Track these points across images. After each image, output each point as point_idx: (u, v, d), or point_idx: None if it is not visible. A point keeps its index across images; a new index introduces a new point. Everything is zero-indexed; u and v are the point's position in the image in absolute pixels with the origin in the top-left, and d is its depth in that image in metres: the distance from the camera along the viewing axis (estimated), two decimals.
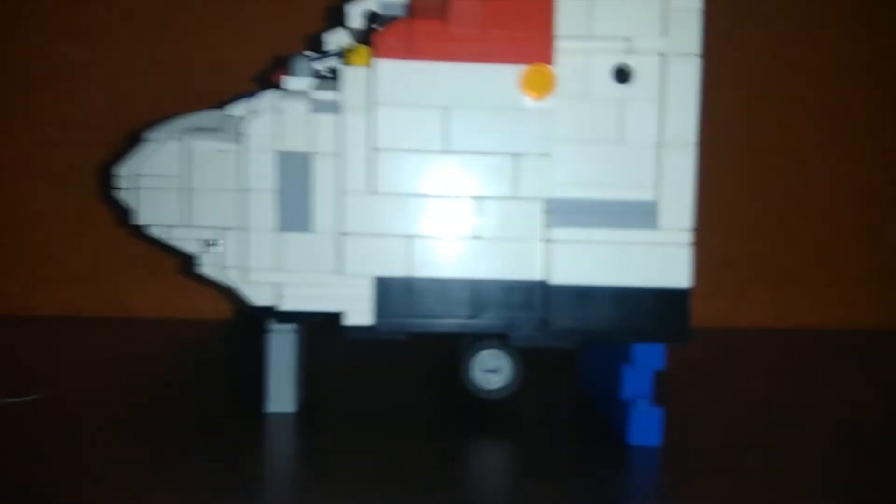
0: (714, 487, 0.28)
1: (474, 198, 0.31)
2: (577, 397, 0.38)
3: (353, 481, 0.28)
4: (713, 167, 0.55)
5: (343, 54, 0.32)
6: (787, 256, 0.63)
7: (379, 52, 0.30)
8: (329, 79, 0.33)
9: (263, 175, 0.32)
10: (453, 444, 0.32)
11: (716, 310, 0.58)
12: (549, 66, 0.30)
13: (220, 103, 0.36)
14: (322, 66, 0.34)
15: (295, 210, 0.32)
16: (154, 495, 0.27)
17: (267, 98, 0.32)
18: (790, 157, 0.62)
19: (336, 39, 0.35)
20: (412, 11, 0.30)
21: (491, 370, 0.35)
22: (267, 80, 0.37)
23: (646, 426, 0.32)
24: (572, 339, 0.31)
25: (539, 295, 0.31)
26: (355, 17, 0.33)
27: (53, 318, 0.57)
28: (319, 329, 0.34)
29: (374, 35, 0.30)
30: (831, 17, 0.61)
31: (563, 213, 0.30)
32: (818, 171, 0.62)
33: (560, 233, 0.30)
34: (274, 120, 0.32)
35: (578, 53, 0.30)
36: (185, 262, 0.36)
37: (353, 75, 0.30)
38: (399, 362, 0.42)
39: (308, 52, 0.35)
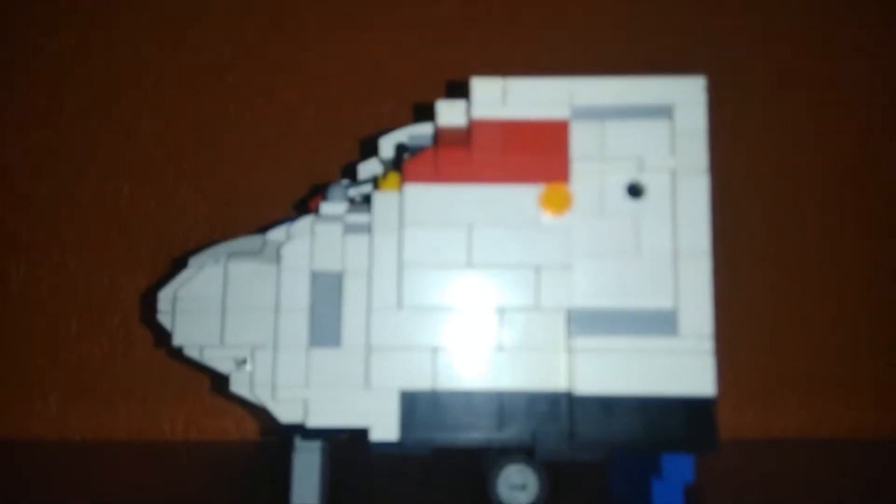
0: None
1: (498, 309, 0.32)
2: None
3: None
4: (734, 275, 0.56)
5: (375, 182, 0.34)
6: (815, 363, 0.62)
7: (407, 178, 0.32)
8: (362, 204, 0.35)
9: (297, 294, 0.34)
10: None
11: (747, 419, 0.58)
12: (565, 185, 0.31)
13: (261, 229, 0.38)
14: (356, 192, 0.36)
15: (325, 326, 0.33)
16: None
17: (304, 222, 0.35)
18: (811, 260, 0.63)
19: (369, 168, 0.37)
20: (438, 140, 0.32)
21: (518, 486, 0.35)
22: (305, 207, 0.40)
23: None
24: (599, 450, 0.30)
25: (564, 406, 0.31)
26: (387, 149, 0.36)
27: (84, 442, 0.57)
28: (346, 444, 0.34)
29: (403, 163, 0.32)
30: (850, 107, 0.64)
31: (585, 322, 0.31)
32: (840, 273, 0.63)
33: (582, 342, 0.31)
34: (309, 242, 0.34)
35: (593, 172, 0.32)
36: (215, 382, 0.37)
37: (383, 198, 0.33)
38: (425, 478, 0.41)
39: (343, 180, 0.37)
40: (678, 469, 0.31)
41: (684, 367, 0.30)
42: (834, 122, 0.64)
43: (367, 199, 0.36)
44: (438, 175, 0.32)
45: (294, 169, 0.62)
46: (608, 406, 0.30)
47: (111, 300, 0.65)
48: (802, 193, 0.63)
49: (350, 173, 0.40)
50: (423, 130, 0.36)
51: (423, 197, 0.32)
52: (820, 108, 0.64)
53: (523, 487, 0.34)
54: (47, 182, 0.66)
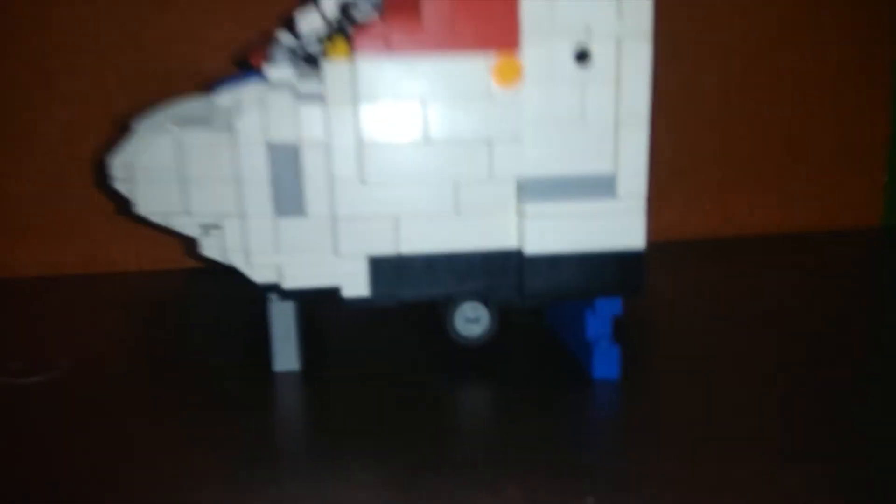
0: (670, 408, 0.34)
1: (453, 181, 0.34)
2: (548, 340, 0.43)
3: (354, 426, 0.33)
4: (663, 90, 0.60)
5: (322, 43, 0.34)
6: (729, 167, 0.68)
7: (359, 50, 0.32)
8: (307, 65, 0.35)
9: (256, 166, 0.35)
10: (441, 387, 0.37)
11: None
12: (516, 58, 0.32)
13: (200, 82, 0.38)
14: (299, 50, 0.35)
15: (289, 196, 0.35)
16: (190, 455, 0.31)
17: (252, 90, 0.34)
18: (731, 76, 0.66)
19: (308, 20, 0.36)
20: (386, 10, 0.32)
21: (472, 320, 0.40)
22: (246, 61, 0.39)
23: (607, 362, 0.37)
24: (545, 300, 0.35)
25: (514, 263, 0.35)
26: (328, 4, 0.35)
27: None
28: (318, 298, 0.37)
29: (353, 33, 0.32)
30: None
31: (533, 189, 0.34)
32: (756, 86, 0.67)
33: (531, 208, 0.34)
34: (261, 113, 0.34)
35: (542, 41, 0.32)
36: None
37: (334, 70, 0.33)
38: (390, 316, 0.46)
39: (283, 33, 0.36)
40: (608, 306, 0.36)
41: (620, 225, 0.34)
42: None
43: (309, 59, 0.35)
44: (390, 47, 0.32)
45: (230, 14, 0.58)
46: (553, 262, 0.34)
47: (35, 139, 0.63)
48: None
49: (288, 22, 0.38)
50: None
51: (376, 72, 0.32)
52: None
53: (476, 321, 0.40)
54: None
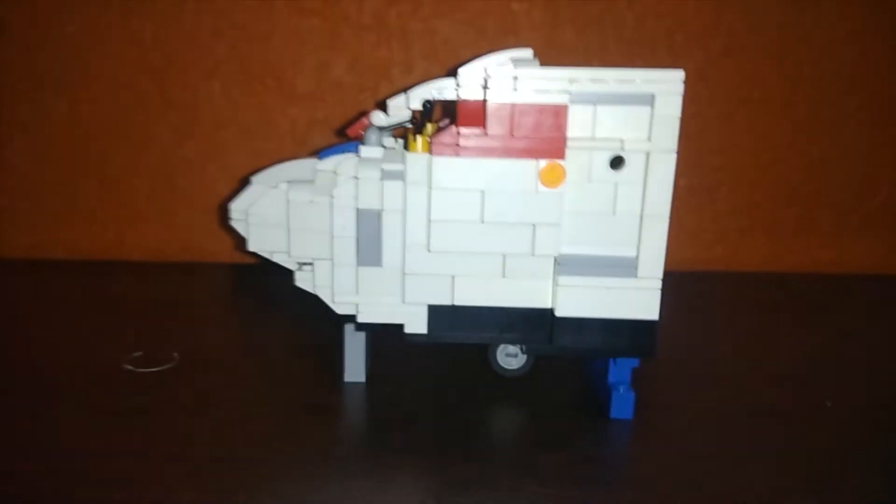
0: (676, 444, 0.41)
1: (502, 254, 0.42)
2: (578, 378, 0.51)
3: (401, 439, 0.41)
4: (726, 126, 0.67)
5: (405, 139, 0.42)
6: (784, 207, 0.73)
7: (435, 151, 0.40)
8: (394, 150, 0.43)
9: (346, 225, 0.43)
10: (481, 411, 0.45)
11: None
12: (561, 164, 0.40)
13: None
14: (388, 139, 0.44)
15: (370, 250, 0.43)
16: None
17: (349, 164, 0.43)
18: (794, 118, 0.72)
19: (397, 106, 0.44)
20: (459, 118, 0.40)
21: (512, 355, 0.48)
22: (345, 133, 0.48)
23: (623, 405, 0.45)
24: (571, 353, 0.43)
25: (548, 320, 0.43)
26: (414, 100, 0.43)
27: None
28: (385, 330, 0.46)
29: (432, 137, 0.40)
30: None
31: (568, 265, 0.41)
32: (814, 130, 0.72)
33: (564, 280, 0.41)
34: (354, 185, 0.42)
35: (583, 150, 0.40)
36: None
37: (414, 161, 0.41)
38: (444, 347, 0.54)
39: (379, 117, 0.44)
40: (627, 361, 0.44)
41: (638, 300, 0.41)
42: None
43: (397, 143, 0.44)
44: (459, 150, 0.40)
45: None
46: (580, 324, 0.42)
47: (147, 138, 0.73)
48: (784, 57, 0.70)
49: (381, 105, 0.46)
50: (445, 84, 0.43)
51: (447, 168, 0.40)
52: None
53: (515, 356, 0.48)
54: (77, 20, 0.70)
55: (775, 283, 0.73)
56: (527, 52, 0.42)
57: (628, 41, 0.73)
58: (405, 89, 0.45)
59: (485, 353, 0.48)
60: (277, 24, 0.71)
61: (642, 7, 0.72)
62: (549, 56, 0.72)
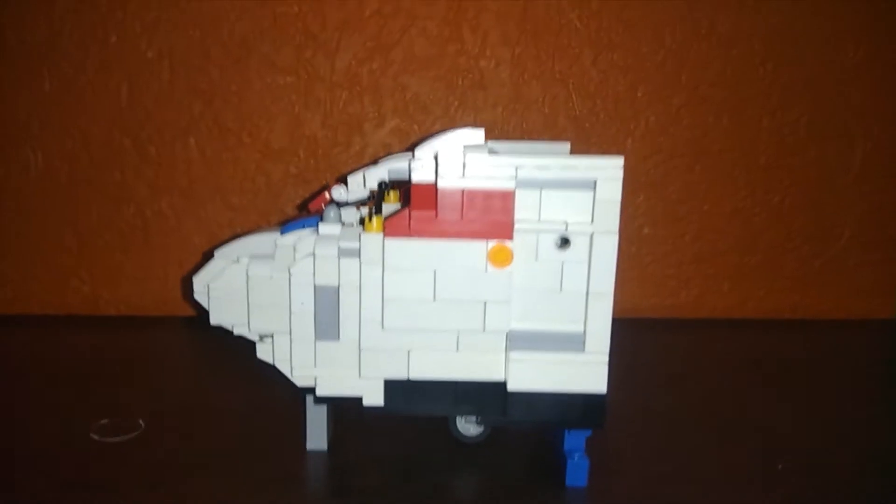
0: None
1: (455, 330, 0.43)
2: (538, 443, 0.52)
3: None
4: (688, 177, 0.69)
5: (362, 220, 0.43)
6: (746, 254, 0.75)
7: (388, 233, 0.41)
8: (351, 227, 0.45)
9: (304, 300, 0.44)
10: (441, 474, 0.46)
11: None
12: (508, 244, 0.41)
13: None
14: (350, 213, 0.45)
15: (327, 325, 0.45)
16: None
17: (308, 242, 0.44)
18: (754, 167, 0.73)
19: (356, 184, 0.46)
20: (412, 201, 0.41)
21: (472, 421, 0.49)
22: (306, 207, 0.49)
23: (578, 472, 0.46)
24: (525, 425, 0.44)
25: (501, 392, 0.44)
26: (371, 179, 0.45)
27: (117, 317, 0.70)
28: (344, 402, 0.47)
29: (386, 220, 0.42)
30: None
31: (518, 340, 0.43)
32: (773, 179, 0.75)
33: (515, 355, 0.43)
34: (312, 262, 0.44)
35: (530, 231, 0.41)
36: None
37: (369, 242, 0.42)
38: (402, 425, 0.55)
39: (340, 192, 0.46)
40: (581, 431, 0.45)
41: (587, 374, 0.43)
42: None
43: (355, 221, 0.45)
44: (411, 232, 0.41)
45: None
46: (531, 398, 0.43)
47: (124, 193, 0.74)
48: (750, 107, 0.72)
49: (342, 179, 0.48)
50: (399, 165, 0.44)
51: (400, 249, 0.42)
52: None
53: (474, 423, 0.49)
54: (52, 77, 0.72)
55: (739, 329, 0.74)
56: (479, 134, 0.44)
57: (592, 95, 0.75)
58: (367, 164, 0.46)
59: (444, 419, 0.49)
60: (252, 82, 0.73)
61: (606, 63, 0.74)
62: (515, 110, 0.75)
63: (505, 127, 0.75)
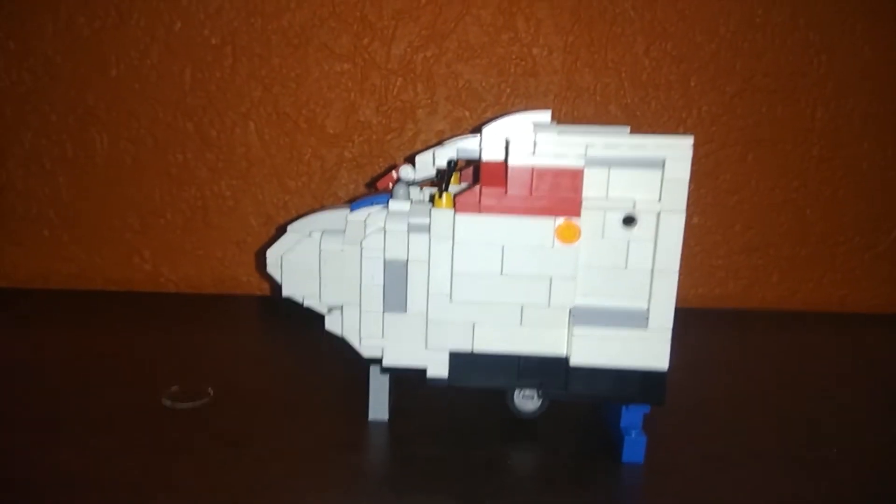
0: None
1: (521, 304, 0.44)
2: (595, 420, 0.53)
3: (422, 473, 0.44)
4: (740, 167, 0.70)
5: (432, 197, 0.45)
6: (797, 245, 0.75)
7: (458, 209, 0.43)
8: (421, 203, 0.46)
9: (373, 274, 0.46)
10: (497, 448, 0.48)
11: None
12: (576, 221, 0.42)
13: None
14: (416, 192, 0.47)
15: (395, 297, 0.46)
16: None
17: (378, 218, 0.46)
18: (807, 158, 0.74)
19: (424, 164, 0.47)
20: (481, 178, 0.43)
21: (528, 397, 0.50)
22: (374, 184, 0.51)
23: (635, 449, 0.47)
24: (585, 399, 0.45)
25: (563, 367, 0.45)
26: (440, 158, 0.46)
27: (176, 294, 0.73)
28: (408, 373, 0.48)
29: (456, 196, 0.43)
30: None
31: (582, 316, 0.44)
32: (826, 170, 0.75)
33: (578, 330, 0.44)
34: (383, 237, 0.45)
35: (598, 209, 0.42)
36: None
37: (439, 217, 0.44)
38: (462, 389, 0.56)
39: (407, 172, 0.47)
40: (639, 406, 0.46)
41: (648, 350, 0.44)
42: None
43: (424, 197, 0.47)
44: (481, 208, 0.42)
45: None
46: (593, 373, 0.44)
47: (185, 174, 0.77)
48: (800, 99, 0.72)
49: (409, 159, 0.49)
50: (468, 145, 0.46)
51: (470, 224, 0.43)
52: None
53: (531, 399, 0.50)
54: (119, 63, 0.74)
55: (788, 321, 0.74)
56: (545, 115, 0.45)
57: (644, 84, 0.75)
58: (434, 145, 0.48)
59: (503, 394, 0.50)
60: (310, 69, 0.75)
61: (659, 52, 0.74)
62: (567, 98, 0.76)
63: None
